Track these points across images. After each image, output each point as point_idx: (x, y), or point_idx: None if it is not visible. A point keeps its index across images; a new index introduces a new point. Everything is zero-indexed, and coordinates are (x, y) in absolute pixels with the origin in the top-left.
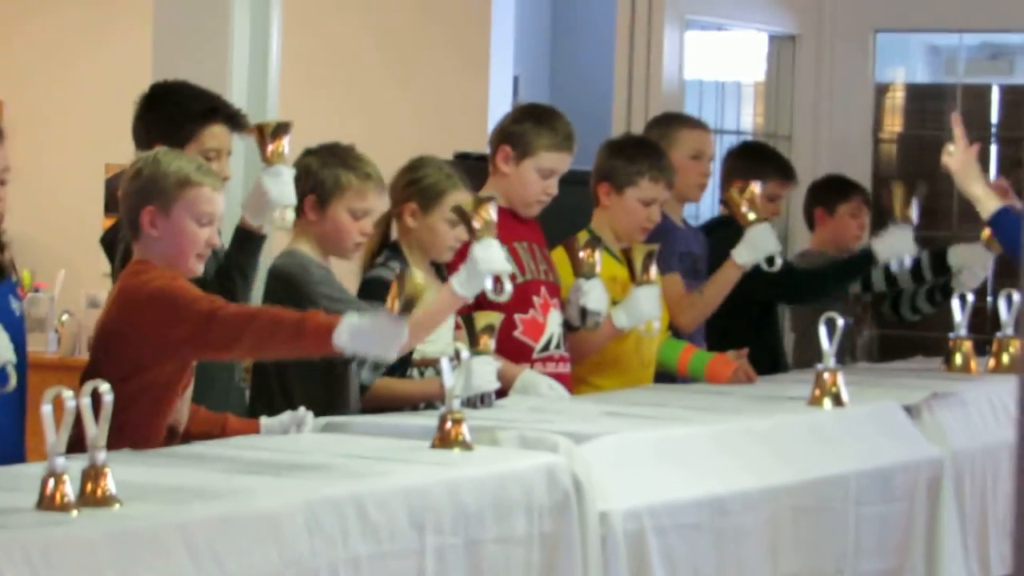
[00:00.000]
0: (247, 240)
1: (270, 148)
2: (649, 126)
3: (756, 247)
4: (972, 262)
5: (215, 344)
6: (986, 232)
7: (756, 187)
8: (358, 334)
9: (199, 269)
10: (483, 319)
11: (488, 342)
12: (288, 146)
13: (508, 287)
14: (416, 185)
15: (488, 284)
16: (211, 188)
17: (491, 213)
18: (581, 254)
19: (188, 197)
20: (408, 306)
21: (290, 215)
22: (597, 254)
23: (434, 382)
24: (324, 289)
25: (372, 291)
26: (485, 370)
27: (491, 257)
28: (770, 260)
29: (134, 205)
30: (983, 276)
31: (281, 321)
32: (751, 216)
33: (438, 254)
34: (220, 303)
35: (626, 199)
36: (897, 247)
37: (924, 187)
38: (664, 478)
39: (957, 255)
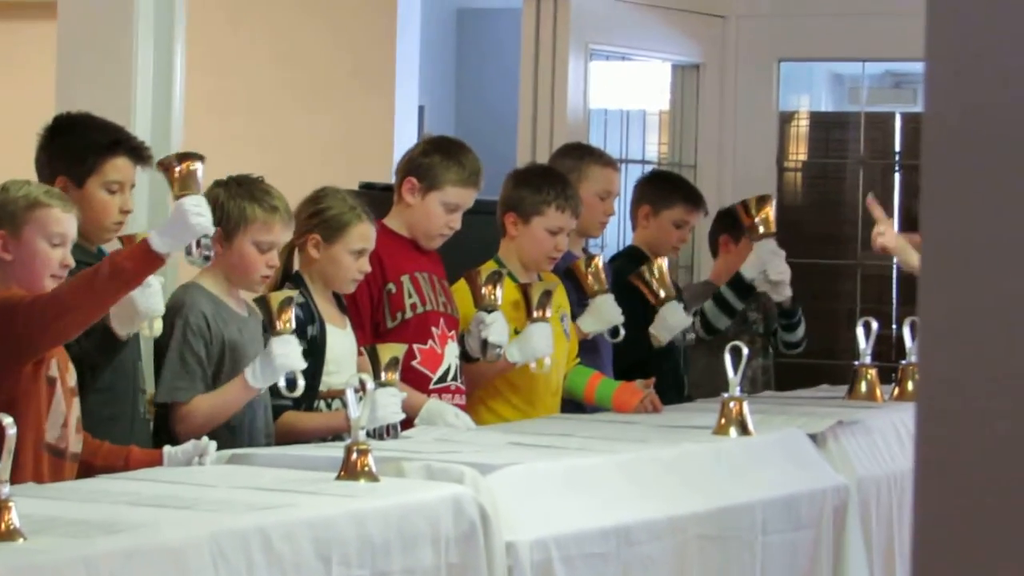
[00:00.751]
0: (109, 344)
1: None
2: (560, 155)
3: (601, 318)
4: (761, 261)
5: (37, 325)
6: None
7: (599, 260)
8: (167, 230)
9: (51, 286)
10: (387, 352)
11: (393, 375)
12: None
13: (301, 383)
14: (319, 216)
15: (281, 381)
16: (61, 209)
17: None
18: (483, 289)
19: (38, 219)
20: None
21: (158, 325)
22: (499, 289)
23: (339, 415)
24: (187, 338)
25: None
26: (390, 401)
27: (288, 353)
28: (614, 331)
29: None
30: (780, 260)
31: (91, 271)
32: (595, 287)
33: (340, 286)
34: (33, 296)
35: (533, 228)
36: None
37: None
38: (571, 508)
39: (748, 266)
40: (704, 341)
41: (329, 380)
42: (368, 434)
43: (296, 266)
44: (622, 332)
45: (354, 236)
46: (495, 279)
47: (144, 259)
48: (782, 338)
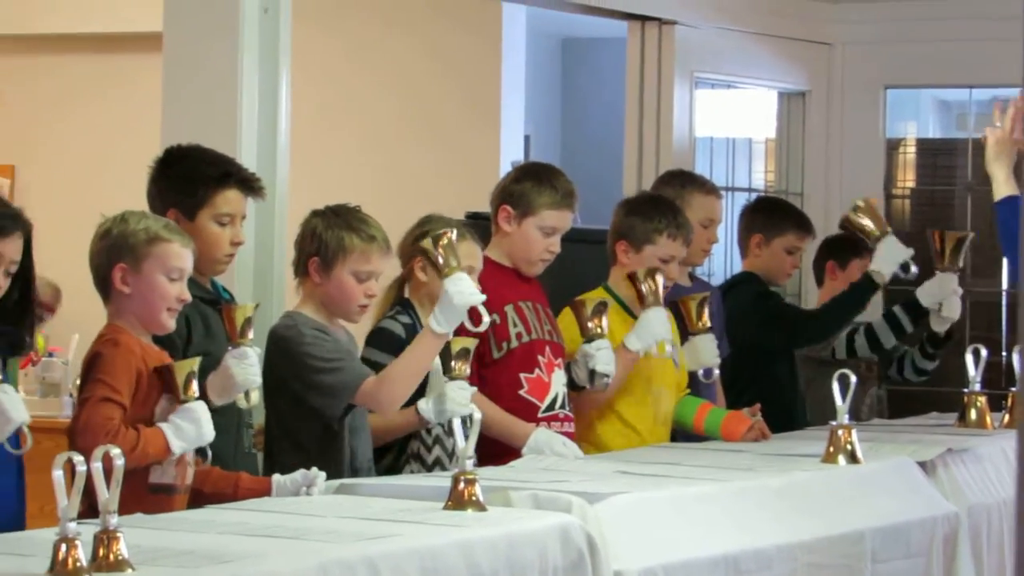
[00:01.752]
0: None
1: (238, 331)
2: (661, 182)
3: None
4: (943, 293)
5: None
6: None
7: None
8: (179, 432)
9: (171, 324)
10: (458, 344)
11: (463, 367)
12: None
13: (487, 317)
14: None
15: (465, 317)
16: (180, 244)
17: (453, 240)
18: (589, 324)
19: (158, 253)
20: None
21: (255, 396)
22: (604, 318)
23: (409, 412)
24: (313, 351)
25: (377, 340)
26: (459, 394)
27: (463, 290)
28: (707, 372)
29: (105, 263)
30: (957, 300)
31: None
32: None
33: None
34: (101, 420)
35: (644, 257)
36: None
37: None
38: (679, 537)
39: (925, 293)
40: (824, 367)
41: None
42: (440, 428)
43: (407, 293)
44: (716, 372)
45: (461, 255)
46: (600, 309)
47: (163, 451)
48: (916, 362)
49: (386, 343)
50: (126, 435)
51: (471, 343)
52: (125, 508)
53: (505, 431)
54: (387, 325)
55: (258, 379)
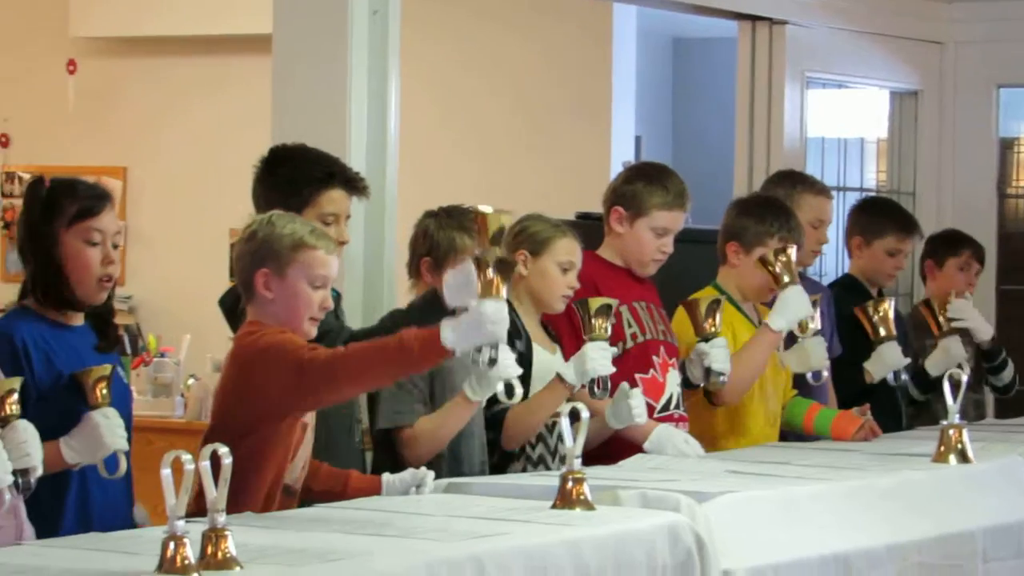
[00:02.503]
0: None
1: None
2: (772, 183)
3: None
4: (950, 362)
5: (312, 389)
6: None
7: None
8: (460, 328)
9: (312, 332)
10: (597, 302)
11: (604, 325)
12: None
13: (519, 390)
14: (523, 234)
15: (500, 387)
16: (325, 251)
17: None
18: (704, 323)
19: (303, 260)
20: (496, 239)
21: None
22: (718, 316)
23: (556, 389)
24: None
25: None
26: (599, 355)
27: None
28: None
29: (248, 267)
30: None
31: (378, 347)
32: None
33: (550, 302)
34: (312, 351)
35: (755, 259)
36: (887, 363)
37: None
38: (788, 536)
39: (935, 364)
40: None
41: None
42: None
43: None
44: (825, 374)
45: (560, 248)
46: (714, 307)
47: (432, 348)
48: (990, 382)
49: None
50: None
51: (612, 301)
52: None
53: (627, 427)
54: None
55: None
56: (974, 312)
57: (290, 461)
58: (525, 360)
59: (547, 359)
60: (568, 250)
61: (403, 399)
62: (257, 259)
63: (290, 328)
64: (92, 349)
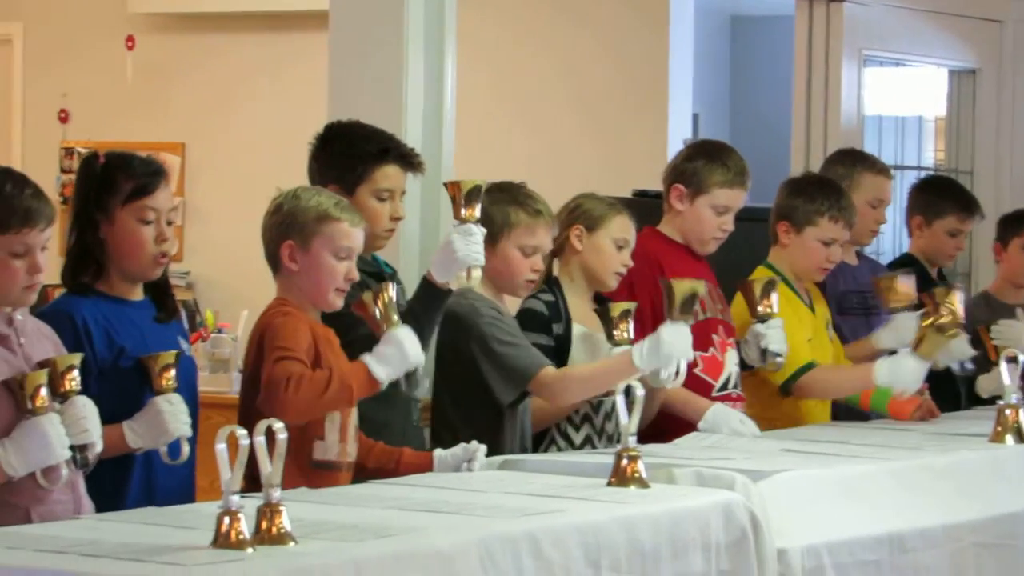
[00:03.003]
0: (430, 294)
1: (464, 211)
2: (831, 162)
3: (899, 334)
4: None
5: (278, 412)
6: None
7: (900, 280)
8: (385, 360)
9: (338, 303)
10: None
11: (625, 328)
12: (479, 209)
13: (683, 373)
14: (578, 210)
15: (670, 368)
16: (349, 223)
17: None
18: (760, 304)
19: (327, 232)
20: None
21: (476, 274)
22: (774, 296)
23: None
24: (492, 330)
25: (525, 321)
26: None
27: (677, 342)
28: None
29: (274, 239)
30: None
31: (325, 389)
32: (894, 305)
33: (604, 279)
34: (285, 367)
35: (805, 238)
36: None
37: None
38: (843, 515)
39: (982, 386)
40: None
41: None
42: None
43: (555, 271)
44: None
45: (615, 225)
46: (770, 288)
47: (367, 384)
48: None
49: (530, 323)
50: (312, 377)
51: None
52: (290, 484)
53: (683, 406)
54: (531, 305)
55: (481, 257)
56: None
57: (322, 439)
58: (563, 343)
59: (591, 338)
60: (623, 227)
61: (522, 352)
62: (282, 231)
63: (316, 299)
64: (152, 321)
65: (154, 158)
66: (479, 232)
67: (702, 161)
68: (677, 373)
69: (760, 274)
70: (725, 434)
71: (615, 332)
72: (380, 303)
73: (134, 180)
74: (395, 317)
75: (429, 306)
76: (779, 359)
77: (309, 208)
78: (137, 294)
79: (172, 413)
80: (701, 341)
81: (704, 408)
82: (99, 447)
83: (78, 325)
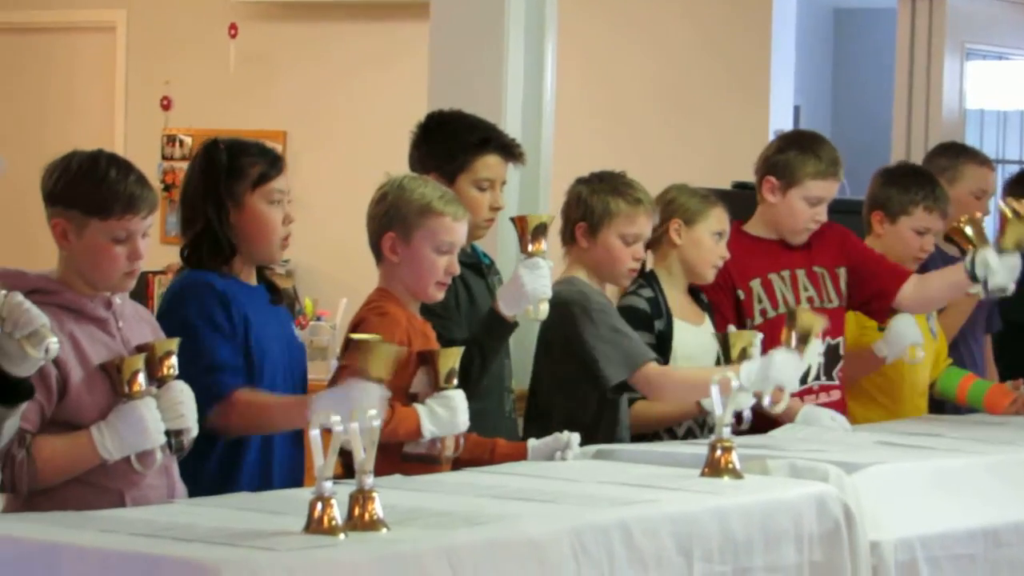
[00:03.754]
0: (497, 326)
1: (531, 246)
2: (934, 154)
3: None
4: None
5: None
6: None
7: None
8: (436, 419)
9: (439, 296)
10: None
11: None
12: (546, 242)
13: (785, 402)
14: (676, 203)
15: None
16: (452, 218)
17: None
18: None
19: (429, 226)
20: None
21: (544, 307)
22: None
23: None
24: (606, 319)
25: (627, 319)
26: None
27: (786, 370)
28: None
29: (377, 229)
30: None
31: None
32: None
33: (702, 271)
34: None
35: (899, 228)
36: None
37: None
38: (937, 508)
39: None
40: None
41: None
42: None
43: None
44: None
45: (713, 217)
46: None
47: (413, 434)
48: None
49: (631, 320)
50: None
51: (757, 336)
52: (383, 475)
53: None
54: (632, 302)
55: (548, 290)
56: None
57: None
58: (666, 339)
59: (692, 334)
60: (721, 219)
61: (625, 344)
62: (385, 222)
63: (416, 292)
64: (268, 304)
65: (265, 144)
66: (546, 265)
67: (794, 152)
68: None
69: None
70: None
71: (442, 381)
72: (444, 366)
73: (260, 164)
74: (455, 380)
75: (494, 338)
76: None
77: (413, 200)
78: (253, 279)
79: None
80: (776, 336)
81: (796, 409)
82: (194, 432)
83: (219, 290)
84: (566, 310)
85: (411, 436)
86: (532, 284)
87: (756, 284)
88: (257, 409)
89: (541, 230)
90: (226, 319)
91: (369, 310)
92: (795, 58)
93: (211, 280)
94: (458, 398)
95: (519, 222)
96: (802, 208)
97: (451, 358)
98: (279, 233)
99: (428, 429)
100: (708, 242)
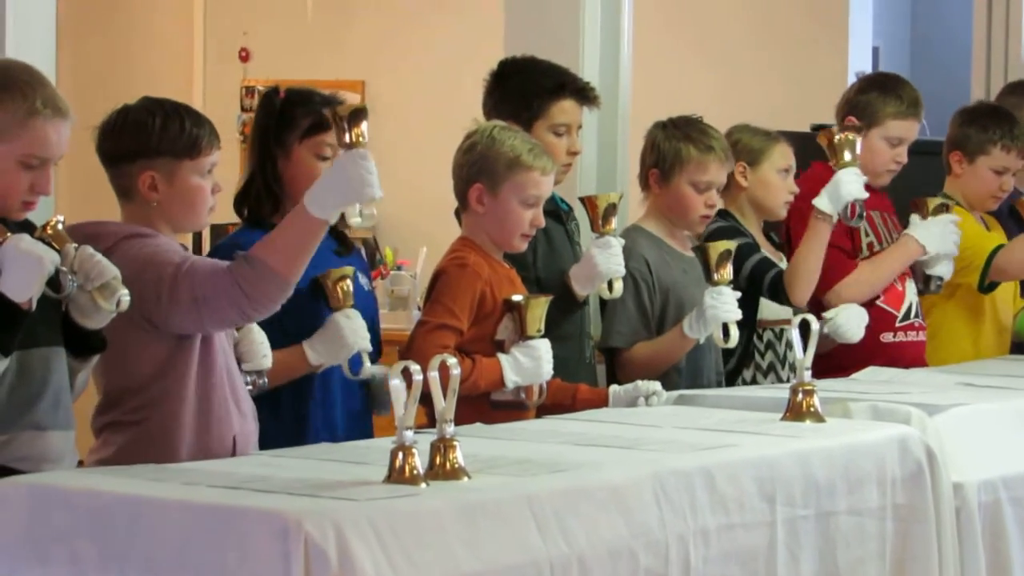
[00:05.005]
0: (569, 304)
1: (602, 226)
2: (1006, 92)
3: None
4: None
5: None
6: None
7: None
8: (517, 367)
9: (523, 247)
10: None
11: (855, 159)
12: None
13: (734, 333)
14: (739, 145)
15: (718, 331)
16: (540, 172)
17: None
18: (930, 218)
19: (517, 180)
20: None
21: (618, 286)
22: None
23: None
24: (631, 282)
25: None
26: (853, 178)
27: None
28: None
29: (464, 178)
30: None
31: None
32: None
33: (773, 209)
34: (430, 348)
35: (978, 168)
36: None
37: None
38: (1020, 449)
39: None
40: None
41: (760, 316)
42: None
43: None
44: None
45: (777, 154)
46: (943, 209)
47: (496, 383)
48: None
49: (735, 236)
50: (459, 364)
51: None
52: (467, 421)
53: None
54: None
55: (621, 268)
56: None
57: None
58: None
59: None
60: (785, 155)
61: (625, 322)
62: (473, 172)
63: (500, 243)
64: (332, 254)
65: (335, 96)
66: (617, 244)
67: (875, 93)
68: (727, 335)
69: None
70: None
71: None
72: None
73: (312, 115)
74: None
75: (567, 314)
76: (939, 282)
77: (503, 153)
78: None
79: (350, 327)
80: None
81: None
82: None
83: None
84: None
85: (494, 387)
86: (605, 264)
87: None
88: None
89: (611, 210)
90: None
91: (449, 261)
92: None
93: (248, 244)
94: (543, 347)
95: (589, 202)
96: (883, 148)
97: (538, 307)
98: None
99: (511, 379)
100: (775, 179)
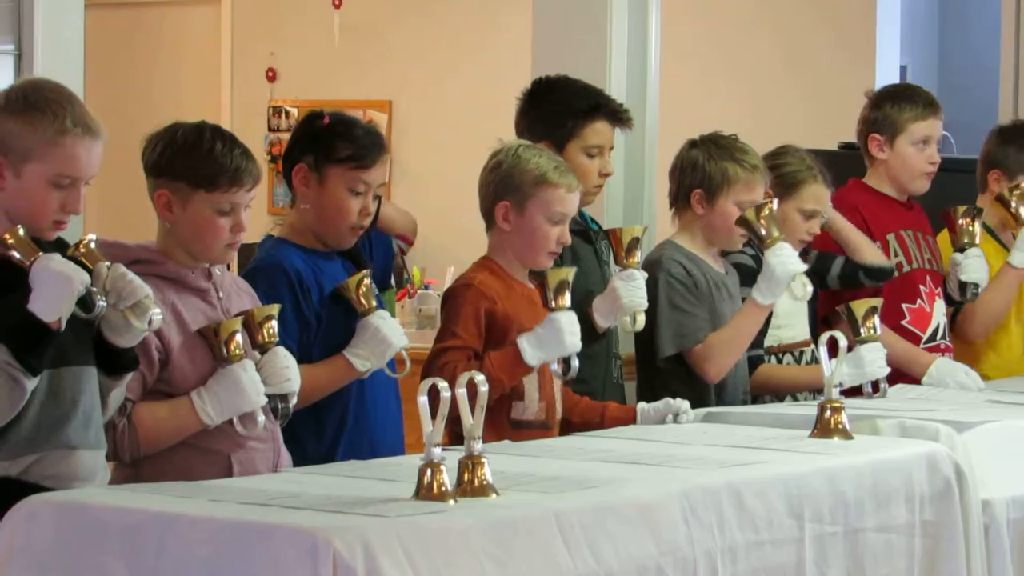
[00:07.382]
0: (591, 335)
1: (626, 259)
2: None
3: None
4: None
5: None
6: None
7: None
8: (538, 341)
9: (548, 264)
10: (865, 305)
11: (872, 325)
12: (640, 254)
13: (809, 288)
14: (776, 171)
15: (794, 288)
16: (566, 189)
17: (774, 210)
18: (960, 221)
19: (543, 197)
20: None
21: (640, 319)
22: (976, 224)
23: (817, 370)
24: (675, 293)
25: (740, 276)
26: (876, 356)
27: (785, 260)
28: None
29: (490, 196)
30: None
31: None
32: None
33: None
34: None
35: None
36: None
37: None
38: None
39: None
40: None
41: (779, 334)
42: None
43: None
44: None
45: (807, 195)
46: (972, 214)
47: (518, 370)
48: None
49: (741, 275)
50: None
51: (878, 301)
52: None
53: (906, 362)
54: (738, 259)
55: (644, 301)
56: None
57: (521, 399)
58: None
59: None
60: (816, 198)
61: (684, 322)
62: (500, 190)
63: (526, 260)
64: (346, 275)
65: (377, 128)
66: (641, 277)
67: (889, 105)
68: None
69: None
70: (951, 387)
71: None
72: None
73: (353, 148)
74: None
75: (591, 340)
76: (975, 290)
77: (528, 170)
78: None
79: (387, 327)
80: (908, 292)
81: (927, 363)
82: (295, 400)
83: (290, 274)
84: (653, 274)
85: (516, 372)
86: (628, 296)
87: (891, 238)
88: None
89: (635, 243)
90: (293, 305)
91: (456, 282)
92: (901, 17)
93: (285, 258)
94: (563, 319)
95: (612, 235)
96: (913, 153)
97: (559, 277)
98: (350, 222)
99: (534, 356)
100: (795, 219)
